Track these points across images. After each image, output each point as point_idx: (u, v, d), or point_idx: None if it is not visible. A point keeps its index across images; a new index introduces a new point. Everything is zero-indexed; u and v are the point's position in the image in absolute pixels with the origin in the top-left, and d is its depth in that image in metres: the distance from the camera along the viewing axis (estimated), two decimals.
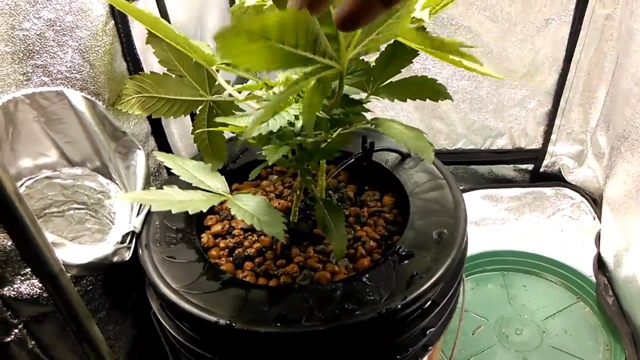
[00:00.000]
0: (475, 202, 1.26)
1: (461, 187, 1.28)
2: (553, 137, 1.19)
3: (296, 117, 0.43)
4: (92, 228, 0.74)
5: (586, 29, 1.03)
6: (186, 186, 0.50)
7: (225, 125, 0.49)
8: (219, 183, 0.51)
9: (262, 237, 0.64)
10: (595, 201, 1.19)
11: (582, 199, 1.21)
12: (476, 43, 1.09)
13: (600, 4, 1.00)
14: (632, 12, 0.91)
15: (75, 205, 0.71)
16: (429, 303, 0.56)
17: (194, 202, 0.44)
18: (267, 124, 0.42)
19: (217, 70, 0.61)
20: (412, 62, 0.57)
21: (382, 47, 0.56)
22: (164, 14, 0.67)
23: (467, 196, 1.26)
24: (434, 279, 0.54)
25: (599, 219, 1.13)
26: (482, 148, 1.23)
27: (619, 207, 0.99)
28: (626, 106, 0.94)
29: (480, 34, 1.08)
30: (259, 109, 0.45)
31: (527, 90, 1.14)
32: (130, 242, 0.63)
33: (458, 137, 1.22)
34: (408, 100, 0.57)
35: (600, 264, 1.09)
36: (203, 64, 0.59)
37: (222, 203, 0.72)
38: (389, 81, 0.55)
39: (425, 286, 0.54)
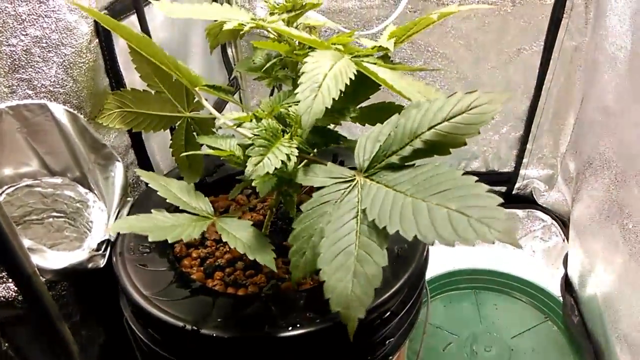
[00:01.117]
0: None
1: None
2: (525, 160, 1.23)
3: (288, 157, 0.46)
4: (70, 236, 0.76)
5: (556, 59, 1.08)
6: (165, 203, 0.53)
7: (208, 146, 0.52)
8: (203, 204, 0.54)
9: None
10: (565, 223, 1.23)
11: (552, 221, 1.25)
12: (451, 69, 1.13)
13: (569, 35, 1.05)
14: (596, 44, 0.96)
15: (55, 214, 0.74)
16: (387, 314, 0.59)
17: (186, 229, 0.47)
18: (262, 165, 0.45)
19: None
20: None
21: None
22: (145, 32, 0.70)
23: None
24: (392, 291, 0.57)
25: (568, 240, 1.17)
26: (458, 169, 1.26)
27: (584, 230, 1.03)
28: (590, 134, 0.98)
29: (456, 61, 1.12)
30: (250, 141, 0.48)
31: (500, 115, 1.18)
32: (105, 249, 0.65)
33: (434, 159, 1.25)
34: None
35: (567, 284, 1.13)
36: (187, 85, 0.63)
37: None
38: (359, 107, 0.59)
39: (384, 297, 0.56)
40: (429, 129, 0.41)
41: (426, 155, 0.42)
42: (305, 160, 0.51)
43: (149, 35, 0.71)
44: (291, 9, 0.59)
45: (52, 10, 0.61)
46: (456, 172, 0.39)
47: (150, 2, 0.74)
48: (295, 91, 0.48)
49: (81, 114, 0.67)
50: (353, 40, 0.63)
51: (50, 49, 0.63)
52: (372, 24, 1.10)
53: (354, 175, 0.46)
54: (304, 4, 0.59)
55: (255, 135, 0.47)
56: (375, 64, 0.58)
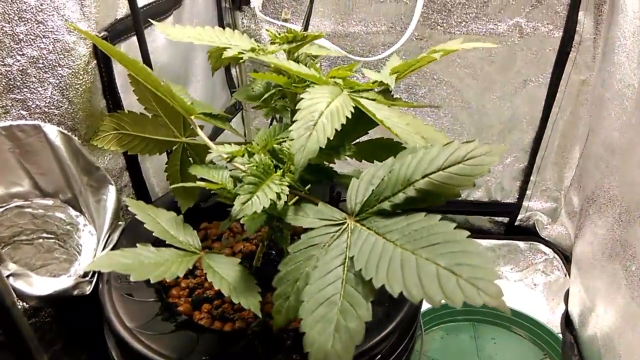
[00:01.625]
0: None
1: None
2: (528, 192, 1.21)
3: (278, 196, 0.45)
4: (60, 257, 0.75)
5: (562, 91, 1.07)
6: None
7: (201, 179, 0.51)
8: (191, 238, 0.52)
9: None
10: (567, 258, 1.21)
11: (555, 255, 1.23)
12: (456, 98, 1.12)
13: (577, 69, 1.03)
14: (604, 80, 0.95)
15: (45, 235, 0.73)
16: (378, 357, 0.57)
17: (171, 267, 0.46)
18: (250, 204, 0.43)
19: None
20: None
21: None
22: (145, 56, 0.70)
23: None
24: (383, 333, 0.55)
25: (568, 273, 1.15)
26: (459, 199, 1.25)
27: (585, 267, 1.01)
28: (596, 170, 0.97)
29: (461, 90, 1.11)
30: (243, 175, 0.46)
31: (504, 145, 1.17)
32: (93, 276, 0.64)
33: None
34: None
35: (567, 322, 1.10)
36: (182, 113, 0.62)
37: None
38: (357, 141, 0.57)
39: (375, 340, 0.55)
40: (423, 177, 0.40)
41: (419, 204, 0.40)
42: (297, 197, 0.50)
43: (149, 58, 0.70)
44: (292, 40, 0.58)
45: (50, 31, 0.61)
46: (448, 225, 0.37)
47: (151, 24, 0.74)
48: (290, 128, 0.47)
49: (75, 135, 0.66)
50: (353, 73, 0.62)
51: (47, 70, 0.62)
52: (377, 49, 1.09)
53: (345, 219, 0.44)
54: (305, 35, 0.58)
55: (245, 172, 0.45)
56: (374, 99, 0.56)
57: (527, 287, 1.25)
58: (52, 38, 0.61)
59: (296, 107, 0.48)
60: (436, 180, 0.39)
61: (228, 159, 0.49)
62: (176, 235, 0.51)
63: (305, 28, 0.86)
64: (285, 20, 0.98)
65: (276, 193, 0.46)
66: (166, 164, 0.71)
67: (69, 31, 0.62)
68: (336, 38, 1.08)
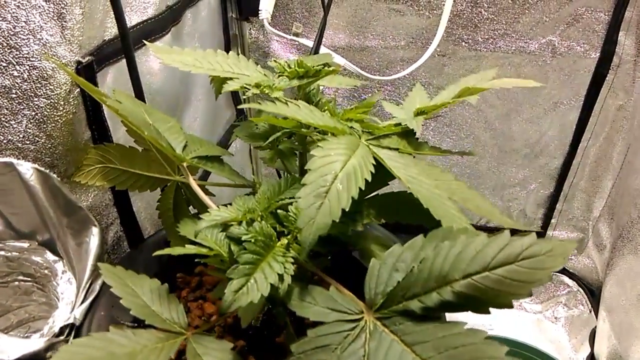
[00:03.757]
0: None
1: None
2: (553, 221, 1.12)
3: (281, 278, 0.37)
4: (38, 300, 0.68)
5: (596, 116, 0.98)
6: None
7: (191, 242, 0.43)
8: (176, 314, 0.44)
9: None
10: (593, 293, 1.12)
11: (579, 289, 1.14)
12: (479, 118, 1.03)
13: (613, 93, 0.94)
14: None
15: (21, 277, 0.65)
16: None
17: (148, 357, 0.38)
18: (245, 291, 0.35)
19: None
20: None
21: None
22: (136, 83, 0.61)
23: None
24: None
25: (595, 313, 1.06)
26: (478, 224, 1.16)
27: (616, 309, 0.93)
28: (633, 207, 0.88)
29: (484, 110, 1.02)
30: (238, 251, 0.38)
31: (530, 170, 1.08)
32: (69, 334, 0.56)
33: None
34: None
35: None
36: (172, 159, 0.54)
37: (182, 290, 0.66)
38: (374, 194, 0.49)
39: None
40: (464, 277, 0.32)
41: (457, 310, 0.32)
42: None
43: (140, 84, 0.62)
44: (303, 74, 0.50)
45: (25, 57, 0.53)
46: (499, 349, 0.29)
47: (144, 44, 0.65)
48: (297, 194, 0.38)
49: (54, 172, 0.58)
50: (370, 109, 0.54)
51: (21, 101, 0.54)
52: (395, 65, 1.00)
53: (362, 313, 0.36)
54: (318, 70, 0.50)
55: (241, 248, 0.37)
56: (397, 148, 0.48)
57: (548, 321, 1.16)
58: (27, 65, 0.53)
59: (306, 167, 0.40)
60: (481, 284, 0.31)
61: (222, 229, 0.41)
62: (159, 311, 0.43)
63: (317, 49, 0.77)
64: (297, 35, 0.90)
65: (278, 274, 0.37)
66: (158, 201, 0.64)
67: (47, 57, 0.54)
68: (351, 52, 1.00)
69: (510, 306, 0.31)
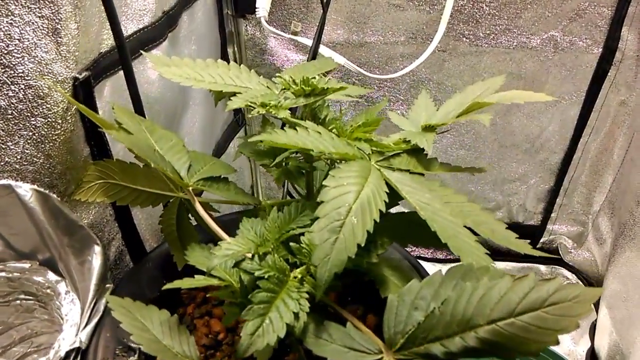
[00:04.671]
0: None
1: (451, 257, 1.21)
2: (553, 215, 1.12)
3: (296, 316, 0.36)
4: (41, 317, 0.67)
5: (597, 111, 0.97)
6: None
7: (197, 270, 0.42)
8: (187, 347, 0.43)
9: (226, 358, 0.56)
10: (592, 285, 1.13)
11: (578, 281, 1.15)
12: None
13: (615, 89, 0.93)
14: None
15: (23, 296, 0.64)
16: None
17: None
18: (262, 333, 0.34)
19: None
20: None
21: None
22: (134, 95, 0.59)
23: None
24: None
25: (595, 307, 1.07)
26: None
27: (617, 304, 0.93)
28: (635, 205, 0.88)
29: None
30: (255, 268, 0.37)
31: (530, 165, 1.07)
32: (75, 359, 0.55)
33: None
34: None
35: (593, 357, 1.03)
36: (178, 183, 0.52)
37: (187, 306, 0.65)
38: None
39: None
40: (489, 323, 0.31)
41: (482, 356, 0.31)
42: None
43: (139, 97, 0.60)
44: (309, 93, 0.48)
45: (20, 76, 0.51)
46: None
47: (141, 54, 0.64)
48: (311, 228, 0.37)
49: (54, 192, 0.57)
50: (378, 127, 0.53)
51: (17, 121, 0.52)
52: (395, 61, 0.99)
53: (382, 353, 0.35)
54: (325, 88, 0.48)
55: (252, 280, 0.36)
56: (408, 170, 0.47)
57: None
58: (23, 84, 0.51)
59: (319, 199, 0.39)
60: (506, 331, 0.30)
61: (233, 264, 0.40)
62: (170, 345, 0.42)
63: (315, 51, 0.75)
64: (295, 34, 0.88)
65: (294, 312, 0.37)
66: (160, 216, 0.62)
67: (42, 74, 0.52)
68: (350, 48, 0.98)
69: (537, 354, 0.30)
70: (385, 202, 0.40)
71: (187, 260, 0.48)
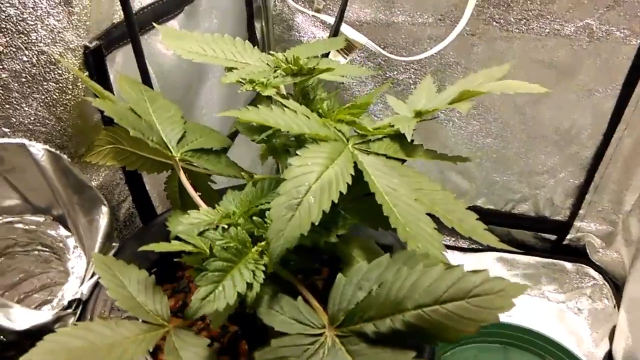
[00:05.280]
0: (488, 264, 1.17)
1: (474, 247, 1.19)
2: (582, 212, 1.08)
3: (249, 286, 0.37)
4: (57, 268, 0.72)
5: (633, 106, 0.92)
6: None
7: (177, 237, 0.44)
8: (159, 306, 0.45)
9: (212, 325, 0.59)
10: (619, 288, 1.09)
11: (604, 282, 1.10)
12: (507, 102, 0.99)
13: None
14: None
15: (40, 247, 0.69)
16: None
17: (128, 349, 0.39)
18: (212, 298, 0.36)
19: None
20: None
21: None
22: (142, 67, 0.62)
23: (480, 257, 1.18)
24: None
25: (619, 308, 1.03)
26: (502, 210, 1.14)
27: (637, 309, 0.90)
28: None
29: (513, 94, 0.98)
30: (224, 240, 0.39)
31: (560, 158, 1.04)
32: (77, 308, 0.60)
33: (477, 195, 1.13)
34: None
35: None
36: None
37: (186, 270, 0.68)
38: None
39: None
40: (415, 307, 0.31)
41: (406, 340, 0.32)
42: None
43: (146, 68, 0.63)
44: (297, 72, 0.49)
45: (33, 43, 0.54)
46: None
47: (153, 27, 0.66)
48: (270, 204, 0.39)
49: (65, 153, 0.61)
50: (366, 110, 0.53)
51: (31, 85, 0.56)
52: (422, 43, 0.97)
53: (324, 328, 0.37)
54: (312, 68, 0.49)
55: (211, 256, 0.38)
56: (385, 154, 0.47)
57: (570, 312, 1.14)
58: (36, 50, 0.55)
59: (282, 176, 0.40)
60: (430, 317, 0.31)
61: (198, 232, 0.42)
62: (144, 302, 0.45)
63: (337, 29, 0.75)
64: (318, 11, 0.88)
65: (247, 282, 0.38)
66: (165, 183, 0.65)
67: (54, 42, 0.55)
68: (377, 27, 0.97)
69: (456, 342, 0.30)
70: (348, 184, 0.40)
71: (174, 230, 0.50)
